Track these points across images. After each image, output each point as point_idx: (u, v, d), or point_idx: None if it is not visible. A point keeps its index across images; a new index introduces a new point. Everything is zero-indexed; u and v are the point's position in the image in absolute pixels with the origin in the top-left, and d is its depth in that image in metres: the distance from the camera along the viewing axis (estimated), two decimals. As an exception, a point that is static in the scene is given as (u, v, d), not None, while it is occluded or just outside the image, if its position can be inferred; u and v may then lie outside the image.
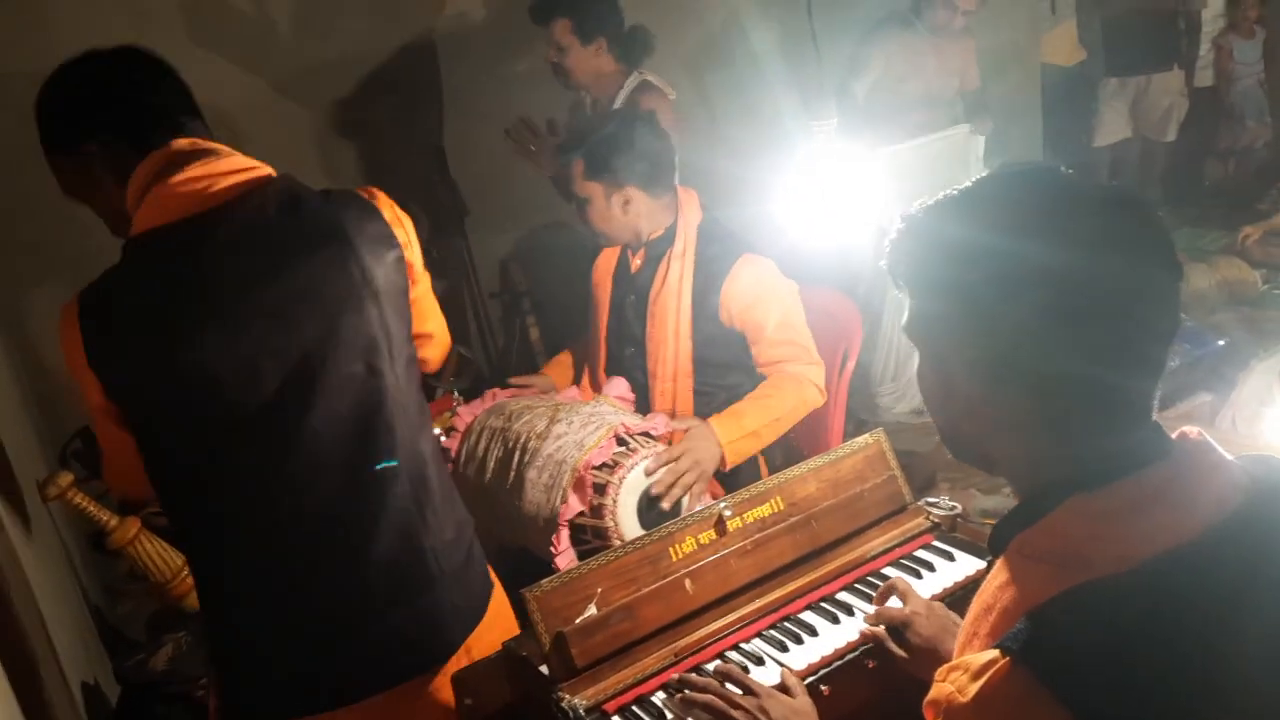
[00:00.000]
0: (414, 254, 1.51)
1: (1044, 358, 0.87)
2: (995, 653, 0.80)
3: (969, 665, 0.82)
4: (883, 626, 1.38)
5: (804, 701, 1.27)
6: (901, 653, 1.35)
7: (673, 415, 2.21)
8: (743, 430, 2.07)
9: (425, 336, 1.62)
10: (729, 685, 1.30)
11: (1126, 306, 0.85)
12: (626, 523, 1.85)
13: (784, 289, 2.21)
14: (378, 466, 1.42)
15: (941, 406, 0.97)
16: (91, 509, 2.10)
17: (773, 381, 2.19)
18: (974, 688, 0.80)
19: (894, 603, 1.41)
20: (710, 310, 2.19)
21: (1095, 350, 0.86)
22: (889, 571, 1.57)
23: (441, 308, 1.66)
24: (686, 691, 1.31)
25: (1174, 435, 0.90)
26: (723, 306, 2.19)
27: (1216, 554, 0.82)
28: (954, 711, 0.81)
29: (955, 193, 0.93)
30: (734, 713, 1.24)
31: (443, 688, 1.51)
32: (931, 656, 1.31)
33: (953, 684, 0.83)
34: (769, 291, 2.19)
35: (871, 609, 1.48)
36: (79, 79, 1.42)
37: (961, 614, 1.37)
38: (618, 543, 1.81)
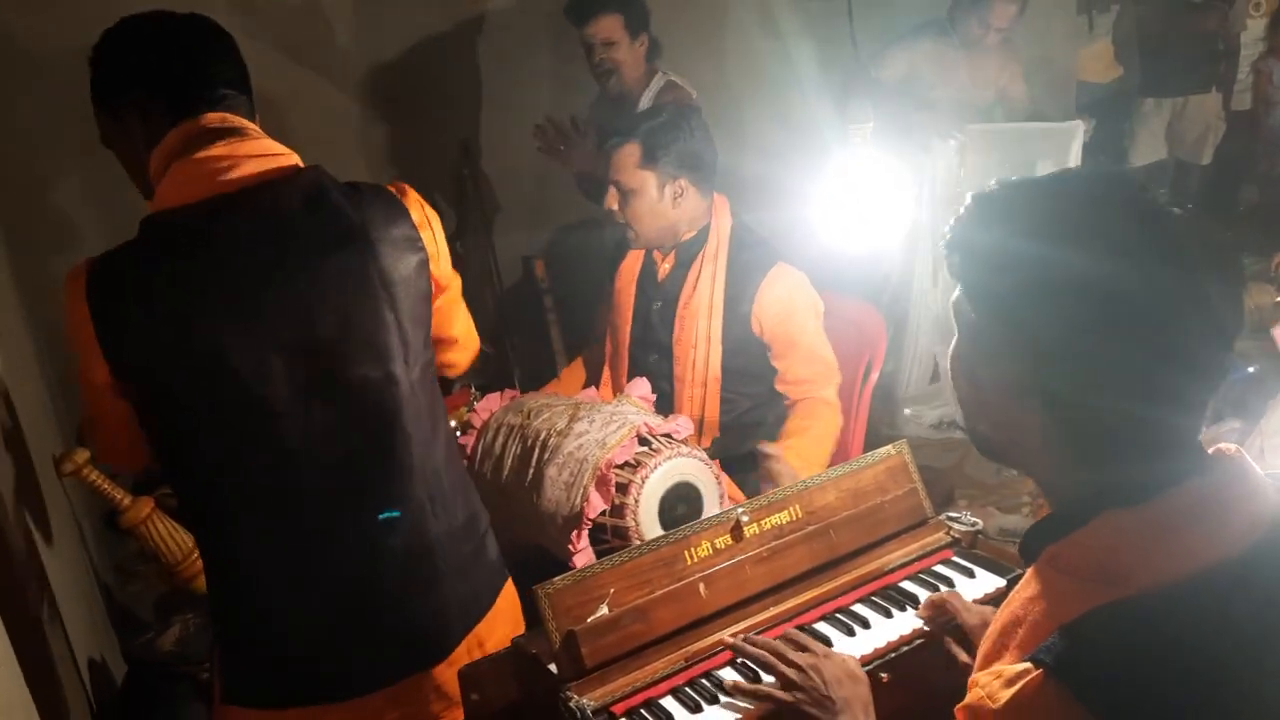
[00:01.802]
0: (440, 258, 1.47)
1: (1072, 378, 0.84)
2: (1028, 664, 0.79)
3: (1001, 674, 0.81)
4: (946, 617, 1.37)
5: (859, 670, 1.27)
6: (966, 658, 1.32)
7: (700, 422, 2.20)
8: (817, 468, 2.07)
9: (450, 341, 1.59)
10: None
11: (1164, 322, 0.82)
12: (648, 523, 1.83)
13: (814, 306, 2.20)
14: (380, 517, 1.41)
15: (970, 403, 0.96)
16: (105, 487, 2.09)
17: (813, 415, 2.19)
18: (1005, 695, 0.79)
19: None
20: (742, 317, 2.17)
21: (1133, 366, 0.83)
22: (907, 585, 1.55)
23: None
24: (744, 644, 1.32)
25: (1210, 451, 0.88)
26: (754, 317, 2.17)
27: (1252, 573, 0.81)
28: (983, 717, 0.81)
29: (1001, 192, 0.91)
30: (784, 667, 1.25)
31: (443, 682, 1.49)
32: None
33: (984, 689, 0.82)
34: (801, 307, 2.18)
35: (886, 621, 1.46)
36: (132, 31, 1.40)
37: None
38: (638, 542, 1.79)
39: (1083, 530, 0.86)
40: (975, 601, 1.50)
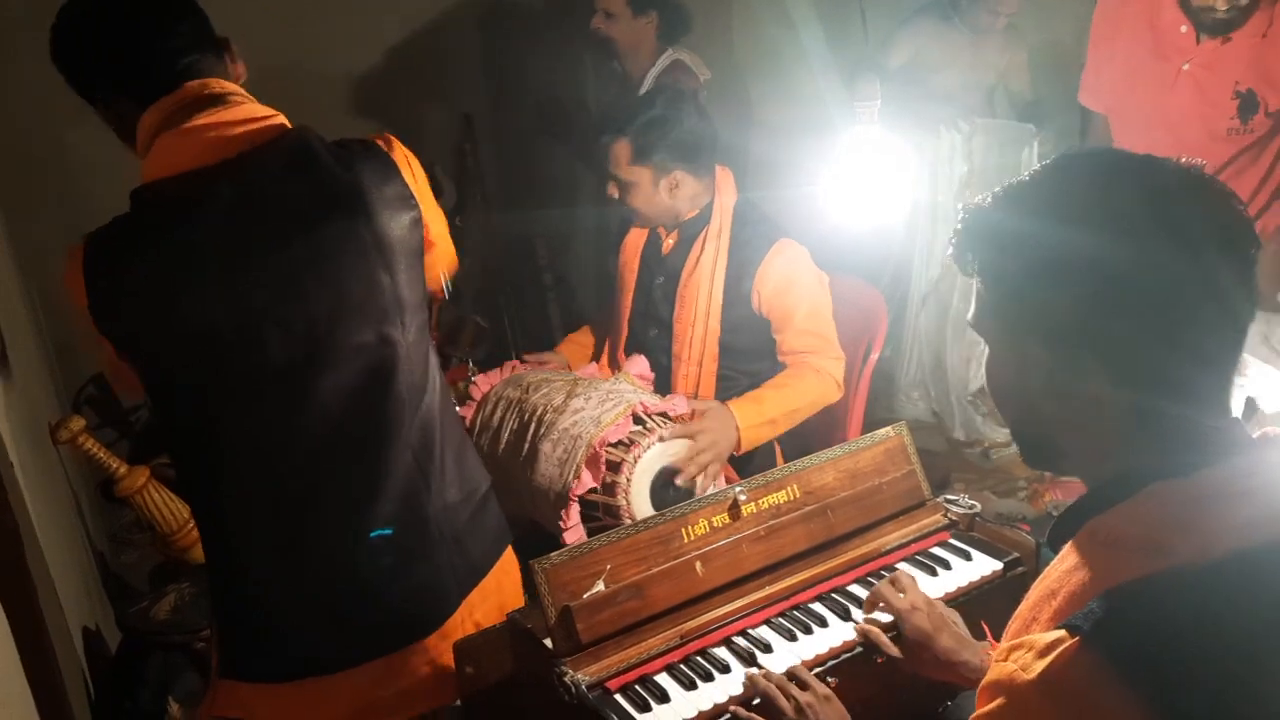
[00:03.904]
0: (428, 204, 1.43)
1: (1101, 348, 0.84)
2: (1062, 632, 0.78)
3: (1034, 644, 0.80)
4: (879, 620, 1.37)
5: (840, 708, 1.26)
6: (894, 650, 1.33)
7: (696, 396, 2.19)
8: (761, 417, 2.05)
9: (428, 244, 1.51)
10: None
11: (1177, 299, 0.81)
12: (639, 501, 1.83)
13: (815, 279, 2.19)
14: (372, 535, 1.39)
15: (1016, 399, 0.93)
16: (101, 455, 2.09)
17: (794, 371, 2.16)
18: (1039, 665, 0.78)
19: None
20: (742, 295, 2.16)
21: (1149, 343, 0.82)
22: (903, 566, 1.55)
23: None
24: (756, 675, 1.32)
25: (1257, 435, 0.88)
26: (755, 292, 2.16)
27: None
28: (1017, 689, 0.79)
29: (1012, 181, 0.91)
30: (783, 701, 1.25)
31: (440, 653, 1.49)
32: (924, 652, 1.30)
33: (1015, 662, 0.80)
34: (801, 280, 2.17)
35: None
36: (73, 33, 1.33)
37: (979, 614, 1.35)
38: (629, 521, 1.79)
39: (1129, 501, 0.85)
40: (971, 585, 1.50)
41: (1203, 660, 0.75)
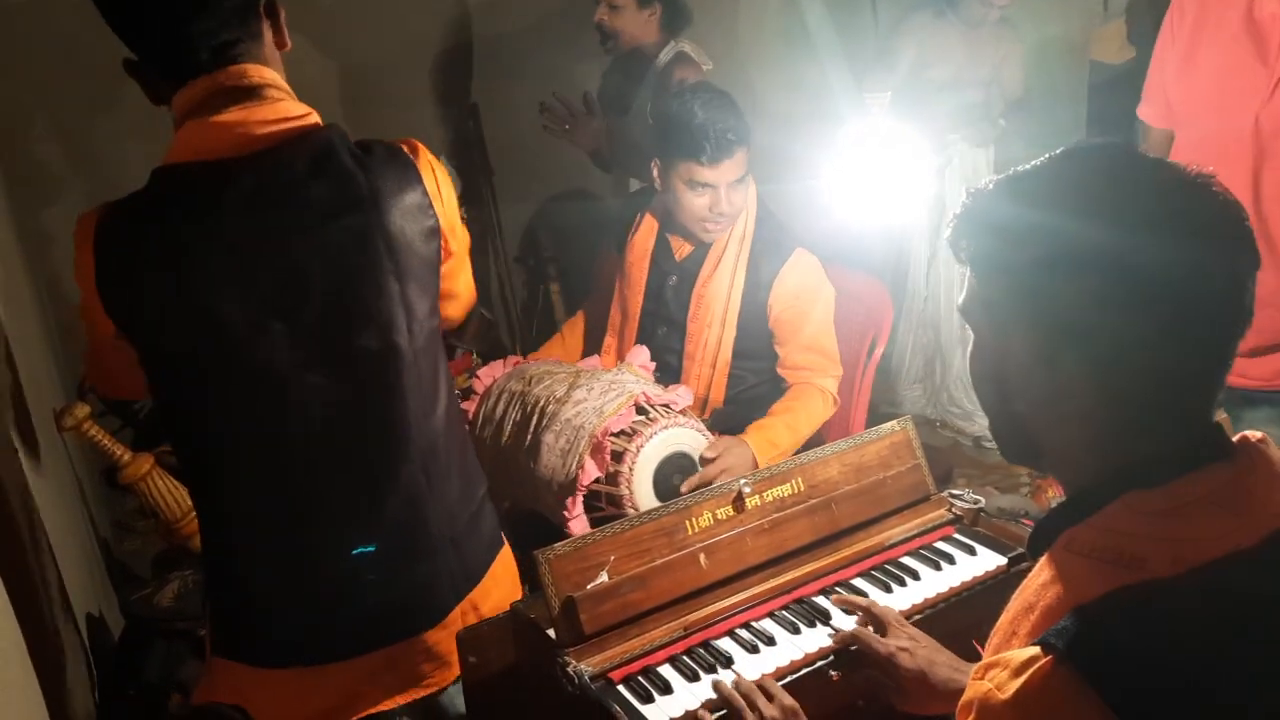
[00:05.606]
0: (451, 220, 1.43)
1: (1100, 343, 0.83)
2: (1036, 649, 0.77)
3: (1008, 662, 0.78)
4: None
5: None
6: (881, 649, 1.28)
7: (706, 397, 2.19)
8: (775, 449, 2.08)
9: (450, 295, 1.56)
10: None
11: (1186, 296, 0.80)
12: (642, 491, 1.83)
13: (824, 293, 2.20)
14: (353, 552, 1.39)
15: (994, 390, 0.93)
16: (106, 442, 2.08)
17: (801, 398, 2.19)
18: (1013, 685, 0.76)
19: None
20: (758, 303, 2.18)
21: (1152, 341, 0.81)
22: (908, 561, 1.55)
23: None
24: (725, 683, 1.27)
25: (1235, 439, 0.86)
26: (769, 304, 2.17)
27: (1271, 561, 0.79)
28: (990, 709, 0.78)
29: (1018, 170, 0.90)
30: (749, 715, 1.21)
31: (434, 644, 1.50)
32: (923, 690, 1.25)
33: (991, 681, 0.79)
34: (811, 295, 2.18)
35: (886, 595, 1.45)
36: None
37: (980, 614, 1.35)
38: (631, 511, 1.79)
39: (1103, 512, 0.84)
40: (975, 579, 1.50)
41: (1176, 673, 0.74)
